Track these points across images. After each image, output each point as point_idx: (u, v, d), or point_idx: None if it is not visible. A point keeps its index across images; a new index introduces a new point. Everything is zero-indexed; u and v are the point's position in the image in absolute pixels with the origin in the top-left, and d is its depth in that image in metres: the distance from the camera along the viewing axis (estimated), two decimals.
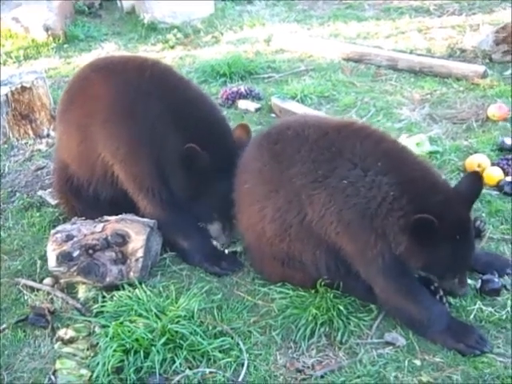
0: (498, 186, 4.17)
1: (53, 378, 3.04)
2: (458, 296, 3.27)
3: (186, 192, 3.69)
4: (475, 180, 3.18)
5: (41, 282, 3.62)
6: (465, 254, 3.15)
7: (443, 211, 2.97)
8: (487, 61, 6.03)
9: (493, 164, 4.35)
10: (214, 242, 3.83)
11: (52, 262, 3.54)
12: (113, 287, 3.46)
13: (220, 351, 3.08)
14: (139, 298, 3.32)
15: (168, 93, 3.71)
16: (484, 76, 5.66)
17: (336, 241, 3.18)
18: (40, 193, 4.45)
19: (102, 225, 3.58)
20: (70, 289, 3.56)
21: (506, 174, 4.25)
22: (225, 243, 3.83)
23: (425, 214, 2.91)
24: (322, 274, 3.30)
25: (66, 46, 7.37)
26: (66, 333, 3.25)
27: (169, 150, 3.62)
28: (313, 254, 3.29)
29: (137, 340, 3.04)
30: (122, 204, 3.74)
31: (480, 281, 3.34)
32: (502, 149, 4.58)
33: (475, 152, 4.54)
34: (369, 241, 3.08)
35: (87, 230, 3.58)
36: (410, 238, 3.00)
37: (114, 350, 3.01)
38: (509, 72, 5.81)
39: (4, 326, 3.36)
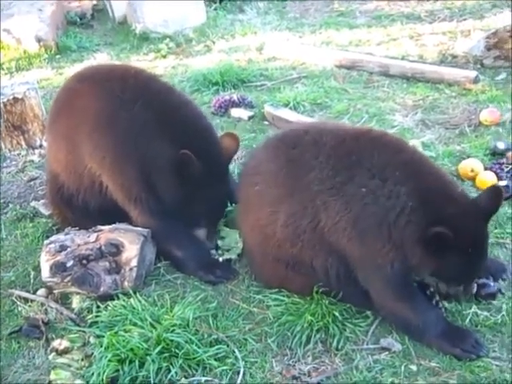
0: None
1: None
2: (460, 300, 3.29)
3: (175, 199, 3.67)
4: (495, 193, 3.15)
5: (34, 292, 3.61)
6: (475, 266, 3.15)
7: (459, 224, 2.97)
8: (479, 66, 6.04)
9: (486, 168, 4.35)
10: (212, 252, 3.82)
11: (46, 273, 3.53)
12: (107, 297, 3.45)
13: (216, 359, 3.07)
14: (134, 308, 3.31)
15: (152, 100, 3.70)
16: (476, 81, 5.67)
17: (345, 247, 3.17)
18: (33, 203, 4.44)
19: (95, 234, 3.57)
20: (64, 299, 3.55)
21: (499, 178, 4.24)
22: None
23: (441, 226, 2.91)
24: (332, 281, 3.29)
25: (58, 56, 7.35)
26: (60, 343, 3.24)
27: (155, 157, 3.62)
28: (325, 261, 3.27)
29: (132, 349, 3.03)
30: (111, 213, 3.73)
31: (476, 285, 3.33)
32: (495, 153, 4.58)
33: (468, 157, 4.54)
34: (381, 249, 3.07)
35: (81, 239, 3.57)
36: (425, 249, 3.00)
37: (109, 360, 3.01)
38: (500, 77, 5.82)
39: None
